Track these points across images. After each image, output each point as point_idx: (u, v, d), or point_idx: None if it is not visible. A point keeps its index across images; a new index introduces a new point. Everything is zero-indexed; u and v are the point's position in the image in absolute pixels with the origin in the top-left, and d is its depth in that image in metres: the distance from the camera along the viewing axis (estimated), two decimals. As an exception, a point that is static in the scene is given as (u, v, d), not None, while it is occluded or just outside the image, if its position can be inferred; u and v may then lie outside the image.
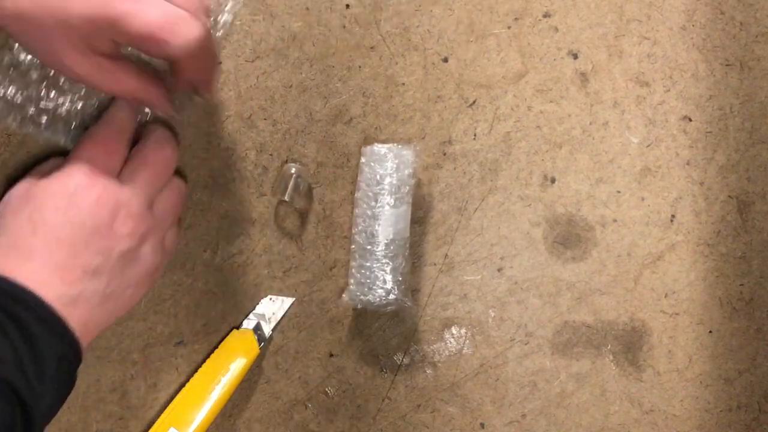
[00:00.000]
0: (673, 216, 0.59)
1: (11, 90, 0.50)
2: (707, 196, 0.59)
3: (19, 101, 0.50)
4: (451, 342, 0.58)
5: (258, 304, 0.58)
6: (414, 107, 0.58)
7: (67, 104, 0.52)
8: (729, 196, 0.59)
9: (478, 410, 0.57)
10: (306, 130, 0.59)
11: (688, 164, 0.59)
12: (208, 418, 0.54)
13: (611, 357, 0.58)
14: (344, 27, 0.57)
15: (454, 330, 0.58)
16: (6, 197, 0.48)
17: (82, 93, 0.51)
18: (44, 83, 0.51)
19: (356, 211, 0.56)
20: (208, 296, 0.58)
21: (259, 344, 0.56)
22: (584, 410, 0.57)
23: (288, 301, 0.58)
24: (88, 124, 0.52)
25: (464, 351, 0.58)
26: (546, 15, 0.61)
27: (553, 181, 0.59)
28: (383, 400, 0.58)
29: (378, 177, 0.55)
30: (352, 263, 0.56)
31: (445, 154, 0.59)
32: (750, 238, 0.59)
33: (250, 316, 0.57)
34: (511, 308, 0.58)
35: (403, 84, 0.58)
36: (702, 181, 0.59)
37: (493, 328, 0.58)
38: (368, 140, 0.58)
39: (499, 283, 0.58)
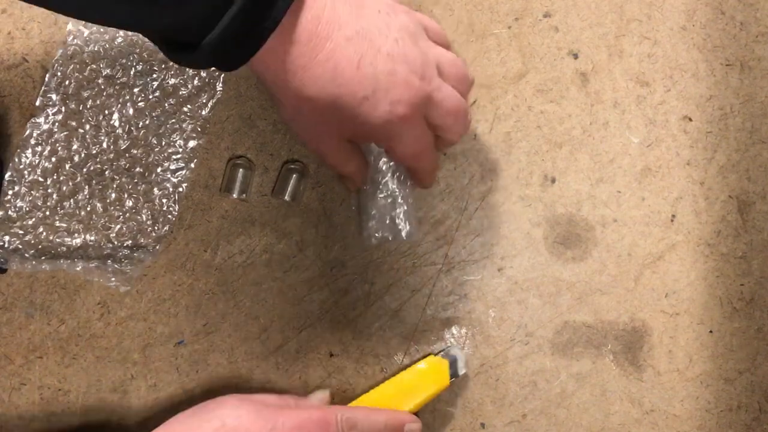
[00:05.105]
0: (673, 216, 0.59)
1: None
2: (707, 196, 0.59)
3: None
4: (451, 342, 0.58)
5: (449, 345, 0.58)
6: (414, 107, 0.58)
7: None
8: (729, 196, 0.59)
9: (478, 410, 0.57)
10: (306, 130, 0.59)
11: (688, 164, 0.59)
12: None
13: (611, 357, 0.58)
14: (344, 27, 0.57)
15: (454, 330, 0.58)
16: (219, 409, 0.49)
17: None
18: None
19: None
20: (208, 296, 0.58)
21: (452, 377, 0.56)
22: (584, 410, 0.57)
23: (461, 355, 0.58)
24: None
25: (464, 351, 0.58)
26: (546, 15, 0.61)
27: (553, 181, 0.59)
28: (383, 400, 0.58)
29: None
30: (365, 203, 0.55)
31: (445, 154, 0.59)
32: (750, 238, 0.58)
33: (451, 348, 0.57)
34: (511, 308, 0.58)
35: (403, 84, 0.58)
36: (702, 181, 0.59)
37: (493, 328, 0.58)
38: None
39: (499, 283, 0.58)
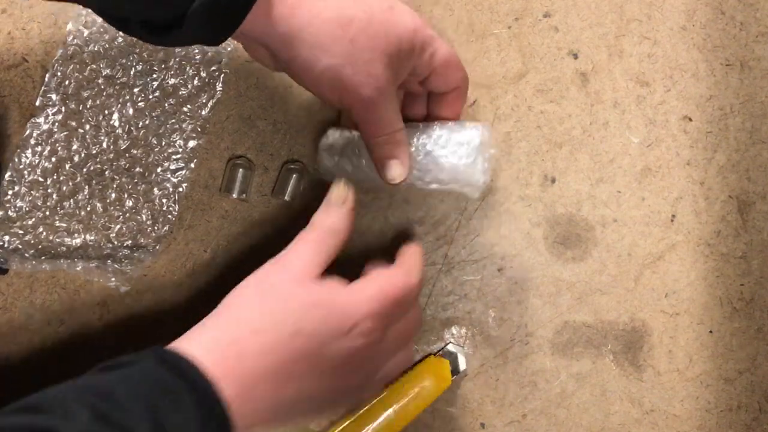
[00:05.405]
0: (673, 216, 0.59)
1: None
2: (707, 196, 0.59)
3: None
4: (450, 341, 0.58)
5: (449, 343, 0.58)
6: (414, 107, 0.58)
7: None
8: (729, 196, 0.59)
9: (478, 410, 0.57)
10: (306, 130, 0.59)
11: (688, 164, 0.59)
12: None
13: (611, 357, 0.58)
14: (344, 27, 0.57)
15: (454, 330, 0.58)
16: (254, 285, 0.45)
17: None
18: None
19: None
20: (209, 296, 0.58)
21: (453, 375, 0.56)
22: (584, 410, 0.57)
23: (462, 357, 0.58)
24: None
25: (464, 348, 0.58)
26: (546, 15, 0.61)
27: (553, 181, 0.59)
28: (383, 400, 0.58)
29: None
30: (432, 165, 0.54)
31: (445, 154, 0.59)
32: (750, 238, 0.58)
33: (449, 346, 0.58)
34: (511, 308, 0.58)
35: (403, 84, 0.58)
36: (702, 181, 0.59)
37: (493, 328, 0.58)
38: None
39: (499, 283, 0.58)
